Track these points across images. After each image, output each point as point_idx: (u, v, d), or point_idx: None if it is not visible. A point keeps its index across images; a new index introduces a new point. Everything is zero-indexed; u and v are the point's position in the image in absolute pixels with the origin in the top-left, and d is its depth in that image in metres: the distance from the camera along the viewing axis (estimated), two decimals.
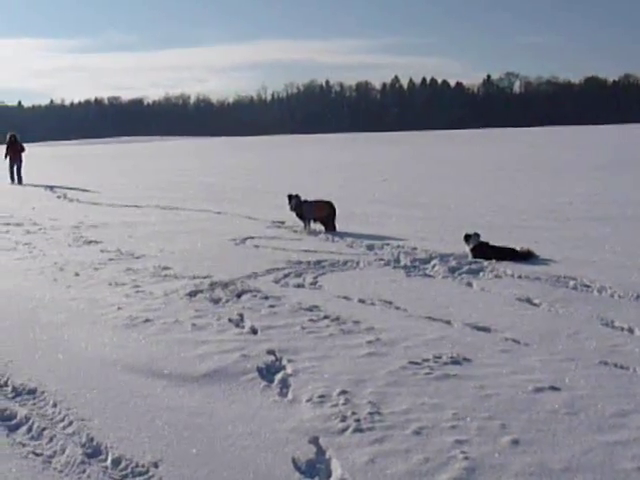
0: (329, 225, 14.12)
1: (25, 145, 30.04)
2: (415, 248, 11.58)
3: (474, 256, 10.76)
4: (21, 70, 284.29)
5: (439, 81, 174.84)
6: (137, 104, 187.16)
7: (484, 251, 10.75)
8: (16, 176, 28.72)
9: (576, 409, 5.19)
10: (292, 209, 14.60)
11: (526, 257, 10.60)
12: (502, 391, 5.54)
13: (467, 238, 11.11)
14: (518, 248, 10.78)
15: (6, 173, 29.81)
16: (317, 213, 14.33)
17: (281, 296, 8.76)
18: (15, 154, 28.35)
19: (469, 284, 9.33)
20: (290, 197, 14.69)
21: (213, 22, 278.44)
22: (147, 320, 7.87)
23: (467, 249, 10.97)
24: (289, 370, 6.22)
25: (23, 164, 28.49)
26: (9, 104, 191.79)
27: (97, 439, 5.03)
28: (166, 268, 10.61)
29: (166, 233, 14.34)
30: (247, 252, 12.05)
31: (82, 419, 5.38)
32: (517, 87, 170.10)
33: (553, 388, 5.58)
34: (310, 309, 8.10)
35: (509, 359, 6.28)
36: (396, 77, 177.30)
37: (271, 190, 23.32)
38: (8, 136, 28.87)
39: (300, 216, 14.49)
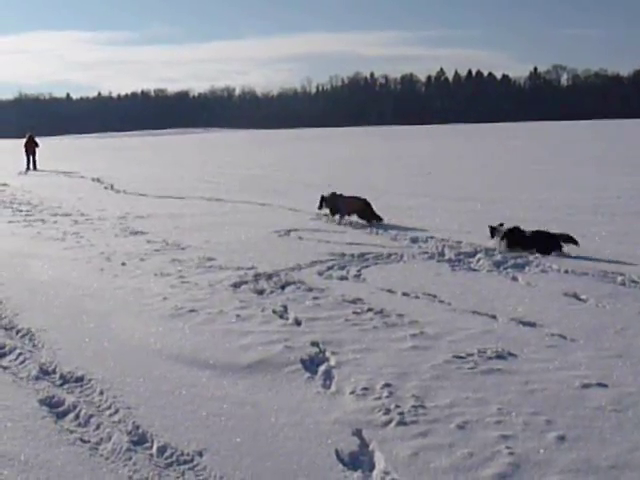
0: (366, 218, 14.30)
1: (73, 137, 33.26)
2: (460, 242, 11.49)
3: (508, 245, 10.61)
4: (68, 62, 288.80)
5: (485, 73, 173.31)
6: (183, 96, 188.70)
7: (517, 238, 10.61)
8: (32, 165, 34.79)
9: (623, 406, 5.11)
10: (326, 206, 15.02)
11: (565, 242, 10.37)
12: (548, 387, 5.48)
13: (493, 231, 11.00)
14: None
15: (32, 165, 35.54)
16: (349, 208, 14.66)
17: (325, 288, 8.77)
18: (30, 148, 34.46)
19: (514, 278, 9.23)
20: (323, 198, 15.15)
21: (255, 15, 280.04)
22: (192, 310, 7.93)
23: (496, 242, 10.84)
24: (332, 362, 6.23)
25: (37, 156, 35.10)
26: (57, 96, 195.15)
27: (143, 427, 5.09)
28: (211, 259, 10.69)
29: (211, 224, 14.44)
30: (291, 244, 12.08)
31: (128, 407, 5.45)
32: (564, 80, 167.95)
33: (600, 385, 5.50)
34: (354, 302, 8.09)
35: (555, 355, 6.20)
36: (441, 69, 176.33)
37: (314, 182, 23.30)
38: (28, 135, 35.73)
39: (334, 210, 14.88)
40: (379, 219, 14.23)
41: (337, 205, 14.88)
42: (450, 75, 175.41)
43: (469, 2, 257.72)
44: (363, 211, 14.43)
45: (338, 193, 15.02)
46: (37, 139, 36.30)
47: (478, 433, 4.78)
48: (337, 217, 14.79)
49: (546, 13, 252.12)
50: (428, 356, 6.25)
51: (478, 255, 10.40)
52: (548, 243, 10.43)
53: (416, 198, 18.56)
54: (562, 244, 10.45)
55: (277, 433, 4.96)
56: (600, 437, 4.67)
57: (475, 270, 9.78)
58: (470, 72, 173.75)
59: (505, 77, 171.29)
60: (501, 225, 11.04)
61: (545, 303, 7.94)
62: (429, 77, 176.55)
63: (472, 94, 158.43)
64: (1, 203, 20.07)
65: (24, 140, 36.38)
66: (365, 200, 14.66)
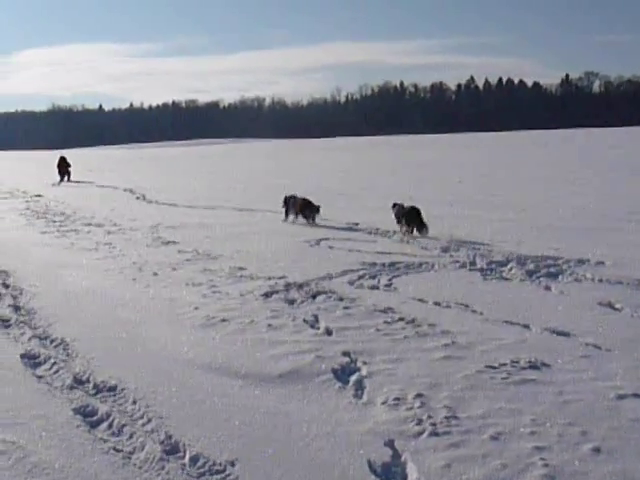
0: (306, 217, 16.14)
1: (106, 147, 33.49)
2: (491, 250, 11.42)
3: (397, 222, 13.76)
4: (100, 74, 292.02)
5: (515, 81, 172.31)
6: (213, 107, 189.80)
7: (398, 215, 13.77)
8: (66, 179, 35.51)
9: None
10: (284, 204, 16.91)
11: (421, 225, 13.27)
12: (583, 397, 5.42)
13: (393, 207, 14.19)
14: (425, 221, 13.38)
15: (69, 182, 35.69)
16: (296, 207, 16.44)
17: (356, 298, 8.76)
18: (63, 169, 35.53)
19: (547, 287, 9.14)
20: (287, 197, 16.98)
21: (283, 25, 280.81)
22: (223, 320, 7.96)
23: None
24: (364, 372, 6.21)
25: (71, 175, 35.78)
26: (90, 107, 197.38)
27: (175, 437, 5.11)
28: (242, 269, 10.72)
29: (241, 234, 14.49)
30: (321, 253, 12.08)
31: (161, 417, 5.47)
32: (597, 87, 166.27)
33: (636, 395, 5.43)
34: (385, 311, 8.07)
35: (590, 365, 6.14)
36: (472, 78, 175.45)
37: (344, 192, 23.31)
38: (59, 157, 36.98)
39: (287, 210, 16.77)
40: (317, 210, 15.98)
41: (288, 205, 16.71)
42: (480, 83, 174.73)
43: (499, 10, 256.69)
44: (305, 210, 16.15)
45: (291, 195, 16.94)
46: (68, 158, 36.85)
47: (512, 444, 4.74)
48: (291, 217, 16.47)
49: (576, 19, 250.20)
50: (460, 366, 6.21)
51: (510, 264, 10.32)
52: (415, 221, 13.44)
53: (447, 206, 18.47)
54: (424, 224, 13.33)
55: (309, 443, 4.95)
56: (636, 449, 4.60)
57: (507, 279, 9.71)
58: (500, 80, 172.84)
59: (536, 84, 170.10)
60: (398, 205, 14.08)
61: (579, 313, 7.86)
62: (459, 85, 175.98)
63: (503, 102, 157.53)
64: (35, 214, 20.30)
65: (57, 159, 36.97)
66: (304, 198, 16.47)
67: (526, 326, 7.36)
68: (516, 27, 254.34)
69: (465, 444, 4.78)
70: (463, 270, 10.29)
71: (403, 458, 4.70)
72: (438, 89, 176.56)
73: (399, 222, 13.80)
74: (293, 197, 16.89)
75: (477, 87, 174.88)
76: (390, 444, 4.88)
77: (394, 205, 14.23)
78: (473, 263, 10.62)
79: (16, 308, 9.08)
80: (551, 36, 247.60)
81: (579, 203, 18.32)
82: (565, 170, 31.44)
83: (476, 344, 6.78)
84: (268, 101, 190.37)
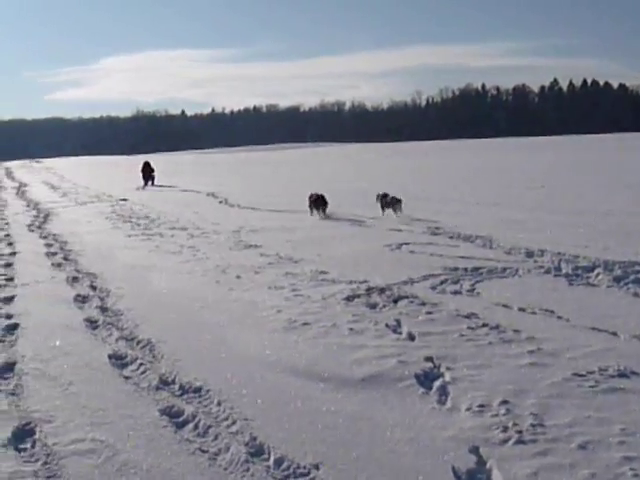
0: (315, 208, 19.00)
1: (188, 152, 33.90)
2: (577, 256, 11.15)
3: (381, 207, 18.08)
4: (181, 80, 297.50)
5: (601, 83, 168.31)
6: (294, 111, 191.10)
7: (383, 201, 18.04)
8: (150, 184, 36.20)
9: None
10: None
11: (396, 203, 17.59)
12: None
13: (377, 197, 18.42)
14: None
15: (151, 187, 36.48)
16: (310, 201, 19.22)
17: (438, 302, 8.69)
18: (147, 174, 36.58)
19: (636, 294, 8.89)
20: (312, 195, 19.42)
21: (361, 29, 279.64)
22: (306, 323, 8.00)
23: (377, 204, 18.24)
24: (447, 378, 6.16)
25: (156, 180, 36.64)
26: (172, 113, 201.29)
27: (260, 439, 5.15)
28: (323, 272, 10.75)
29: (322, 238, 14.54)
30: (403, 258, 12.03)
31: (245, 418, 5.54)
32: None
33: None
34: (468, 316, 7.98)
35: None
36: (555, 80, 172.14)
37: (424, 196, 23.16)
38: (143, 162, 37.87)
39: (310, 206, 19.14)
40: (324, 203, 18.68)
41: (310, 200, 19.17)
42: (564, 85, 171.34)
43: (581, 11, 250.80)
44: (315, 203, 18.87)
45: (315, 192, 19.33)
46: (152, 163, 37.48)
47: (600, 454, 4.63)
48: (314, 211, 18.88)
49: None
50: (547, 373, 6.11)
51: (597, 270, 10.07)
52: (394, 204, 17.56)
53: (530, 211, 18.16)
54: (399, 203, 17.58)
55: (393, 448, 4.94)
56: None
57: (594, 285, 9.48)
58: (585, 81, 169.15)
59: (622, 86, 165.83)
60: (385, 195, 18.15)
61: None
62: (542, 87, 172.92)
63: (588, 104, 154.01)
64: (120, 217, 20.77)
65: (141, 164, 37.74)
66: (316, 195, 19.13)
67: (614, 333, 7.18)
68: (599, 27, 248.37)
69: (552, 452, 4.69)
70: (548, 276, 10.10)
71: (488, 465, 4.65)
72: (521, 91, 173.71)
73: (383, 207, 18.04)
74: (313, 194, 19.32)
75: (561, 89, 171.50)
76: (475, 451, 4.83)
77: (379, 195, 18.41)
78: (558, 269, 10.41)
79: (103, 309, 9.33)
80: (633, 36, 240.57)
81: None
82: None
83: (562, 351, 6.65)
84: (348, 105, 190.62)
